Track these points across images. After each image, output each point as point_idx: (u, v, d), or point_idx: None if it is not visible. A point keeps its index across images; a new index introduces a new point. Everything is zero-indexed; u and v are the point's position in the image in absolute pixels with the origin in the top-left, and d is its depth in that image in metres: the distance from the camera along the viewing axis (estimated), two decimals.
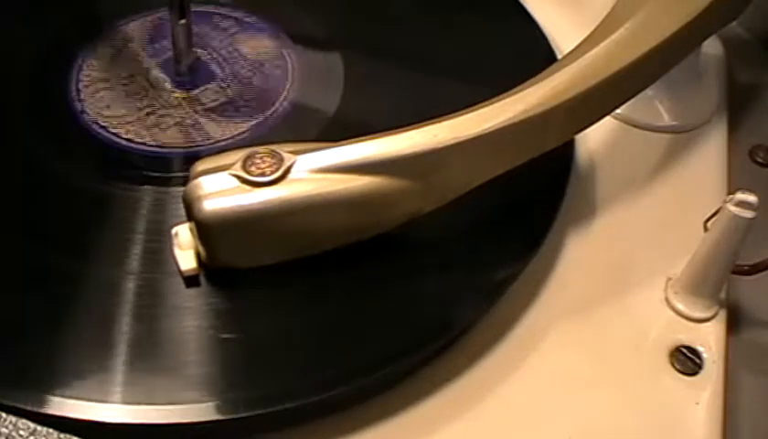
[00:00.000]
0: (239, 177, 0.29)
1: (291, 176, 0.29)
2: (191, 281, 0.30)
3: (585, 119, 0.33)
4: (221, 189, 0.28)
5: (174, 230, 0.31)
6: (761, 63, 0.45)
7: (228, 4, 0.42)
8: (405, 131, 0.29)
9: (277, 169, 0.28)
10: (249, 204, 0.28)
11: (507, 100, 0.30)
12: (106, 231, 0.32)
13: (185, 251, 0.30)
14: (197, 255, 0.30)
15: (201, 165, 0.29)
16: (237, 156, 0.29)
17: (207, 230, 0.29)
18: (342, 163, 0.29)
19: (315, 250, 0.30)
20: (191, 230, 0.30)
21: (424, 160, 0.29)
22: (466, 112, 0.30)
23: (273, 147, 0.29)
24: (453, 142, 0.29)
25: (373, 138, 0.29)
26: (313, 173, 0.29)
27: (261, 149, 0.29)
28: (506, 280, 0.31)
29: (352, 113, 0.37)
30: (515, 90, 0.31)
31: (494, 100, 0.30)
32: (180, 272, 0.30)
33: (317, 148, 0.29)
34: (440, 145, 0.29)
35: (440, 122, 0.30)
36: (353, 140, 0.29)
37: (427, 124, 0.29)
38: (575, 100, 0.31)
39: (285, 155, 0.29)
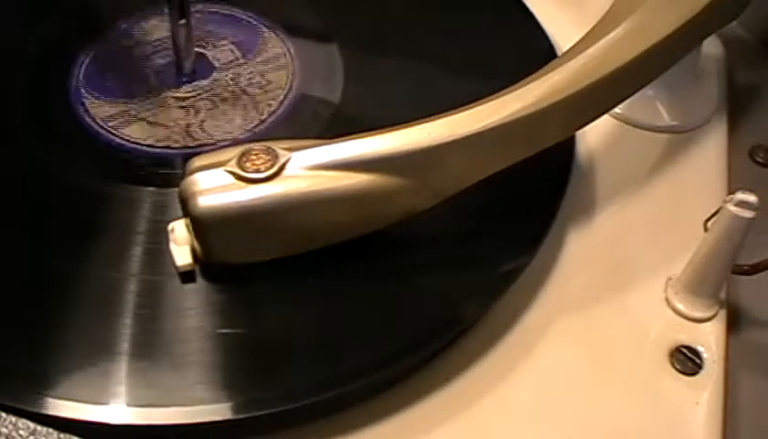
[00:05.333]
0: (234, 174, 0.29)
1: (286, 172, 0.29)
2: (186, 276, 0.30)
3: (583, 117, 0.33)
4: (216, 186, 0.29)
5: (170, 226, 0.31)
6: (761, 63, 0.45)
7: (228, 3, 0.42)
8: (401, 128, 0.29)
9: (272, 166, 0.29)
10: (243, 200, 0.28)
11: (504, 97, 0.30)
12: (107, 232, 0.32)
13: (180, 247, 0.30)
14: (193, 251, 0.30)
15: (197, 162, 0.29)
16: (232, 153, 0.29)
17: (202, 225, 0.29)
18: (337, 160, 0.29)
19: (311, 246, 0.30)
20: (187, 225, 0.30)
21: (419, 157, 0.29)
22: (463, 110, 0.30)
23: (269, 144, 0.29)
24: (448, 139, 0.29)
25: (368, 135, 0.29)
26: (308, 170, 0.29)
27: (256, 146, 0.29)
28: (505, 279, 0.31)
29: (353, 111, 0.37)
30: (512, 87, 0.30)
31: (490, 97, 0.30)
32: (175, 267, 0.30)
33: (312, 145, 0.29)
34: (435, 143, 0.29)
35: (436, 119, 0.30)
36: (348, 137, 0.29)
37: (423, 122, 0.29)
38: (572, 98, 0.31)
39: (280, 152, 0.29)
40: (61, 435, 0.24)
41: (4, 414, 0.24)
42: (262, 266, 0.30)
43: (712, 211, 0.31)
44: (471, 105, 0.30)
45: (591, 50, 0.31)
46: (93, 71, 0.39)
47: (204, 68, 0.39)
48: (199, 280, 0.31)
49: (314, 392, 0.28)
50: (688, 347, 0.32)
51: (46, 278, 0.31)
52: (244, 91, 0.38)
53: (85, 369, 0.28)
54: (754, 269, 0.32)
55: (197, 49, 0.39)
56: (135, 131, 0.36)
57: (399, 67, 0.39)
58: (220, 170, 0.29)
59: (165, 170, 0.35)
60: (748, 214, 0.30)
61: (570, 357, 0.31)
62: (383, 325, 0.30)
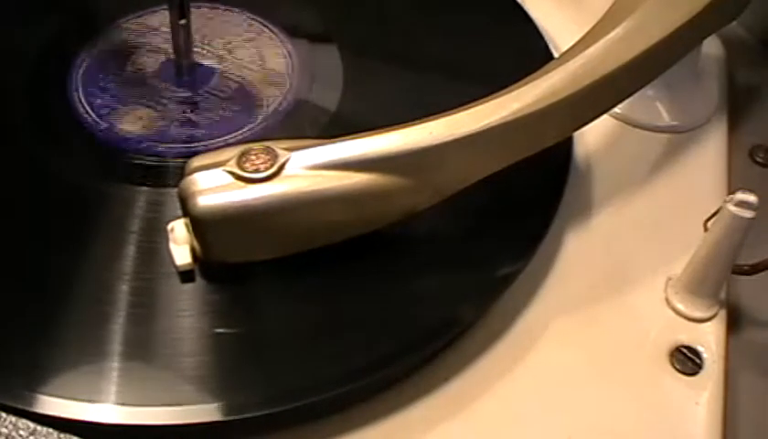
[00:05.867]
0: (233, 174, 0.29)
1: (285, 172, 0.29)
2: (186, 276, 0.30)
3: (582, 117, 0.33)
4: (216, 185, 0.28)
5: (169, 226, 0.31)
6: (761, 63, 0.45)
7: (228, 3, 0.42)
8: (400, 128, 0.29)
9: (271, 165, 0.29)
10: (243, 200, 0.28)
11: (503, 97, 0.30)
12: (105, 230, 0.32)
13: (180, 247, 0.30)
14: (192, 250, 0.30)
15: (197, 162, 0.29)
16: (232, 153, 0.29)
17: (201, 225, 0.29)
18: (336, 159, 0.29)
19: (310, 246, 0.30)
20: (186, 225, 0.30)
21: (419, 157, 0.29)
22: (462, 109, 0.30)
23: (268, 144, 0.29)
24: (448, 139, 0.29)
25: (368, 135, 0.29)
26: (307, 169, 0.29)
27: (255, 146, 0.29)
28: (504, 280, 0.31)
29: (352, 112, 0.37)
30: (511, 87, 0.30)
31: (490, 97, 0.30)
32: (175, 266, 0.30)
33: (312, 145, 0.29)
34: (435, 142, 0.29)
35: (435, 119, 0.30)
36: (347, 137, 0.29)
37: (422, 121, 0.29)
38: (572, 98, 0.30)
39: (280, 152, 0.29)
40: (61, 435, 0.24)
41: (4, 414, 0.24)
42: (262, 265, 0.30)
43: (712, 211, 0.31)
44: (471, 105, 0.30)
45: (590, 50, 0.31)
46: (92, 70, 0.39)
47: (203, 68, 0.39)
48: (198, 279, 0.31)
49: (314, 392, 0.28)
50: (688, 347, 0.32)
51: (47, 278, 0.31)
52: (243, 92, 0.38)
53: (86, 368, 0.28)
54: (754, 269, 0.32)
55: (196, 49, 0.39)
56: (135, 130, 0.36)
57: (397, 68, 0.39)
58: (220, 170, 0.29)
59: (165, 170, 0.35)
60: (748, 214, 0.30)
61: (569, 357, 0.31)
62: (383, 325, 0.30)
